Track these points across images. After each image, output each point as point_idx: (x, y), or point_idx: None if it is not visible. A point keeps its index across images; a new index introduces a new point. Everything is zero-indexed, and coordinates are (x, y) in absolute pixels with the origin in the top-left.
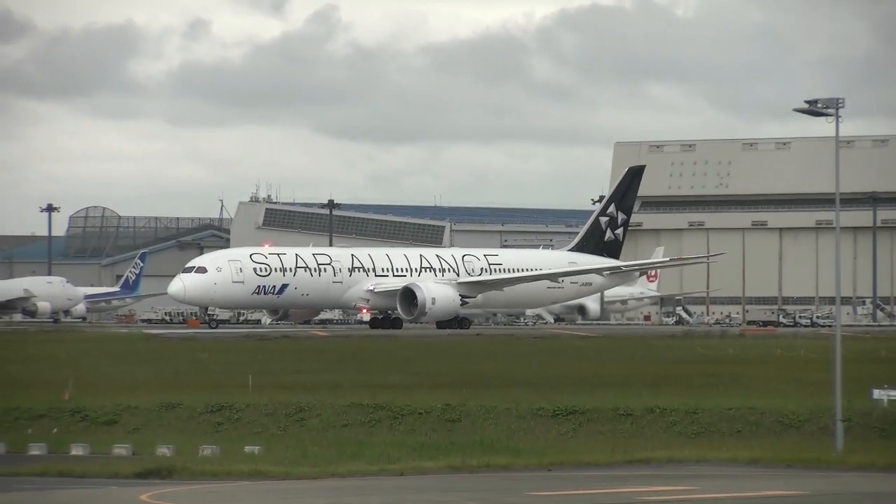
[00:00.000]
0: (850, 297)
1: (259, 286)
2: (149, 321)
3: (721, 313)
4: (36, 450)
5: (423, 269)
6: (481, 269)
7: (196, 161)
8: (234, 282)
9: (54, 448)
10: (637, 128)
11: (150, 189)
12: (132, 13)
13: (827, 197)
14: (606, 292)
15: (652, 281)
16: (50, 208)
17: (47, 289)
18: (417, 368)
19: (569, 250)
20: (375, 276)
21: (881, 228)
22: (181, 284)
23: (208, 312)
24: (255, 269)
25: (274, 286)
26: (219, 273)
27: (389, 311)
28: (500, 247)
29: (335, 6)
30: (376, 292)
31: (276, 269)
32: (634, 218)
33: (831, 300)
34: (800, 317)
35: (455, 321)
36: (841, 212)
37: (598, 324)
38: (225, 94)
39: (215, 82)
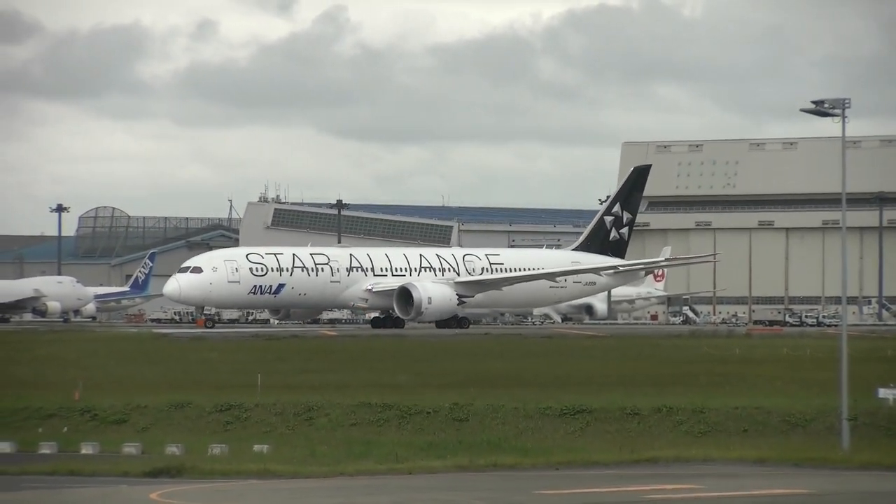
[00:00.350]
0: (856, 297)
1: (255, 286)
2: (158, 321)
3: (727, 313)
4: (46, 449)
5: (422, 269)
6: (482, 268)
7: (204, 161)
8: (229, 281)
9: (64, 447)
10: (644, 128)
11: (159, 189)
12: (139, 14)
13: (833, 197)
14: (614, 292)
15: (659, 281)
16: (60, 208)
17: (57, 289)
18: (425, 368)
19: (573, 250)
20: (374, 275)
21: (888, 228)
22: (177, 284)
23: (205, 312)
24: (251, 269)
25: (270, 286)
26: (214, 273)
27: (390, 311)
28: (508, 246)
29: (343, 7)
30: (375, 292)
31: (272, 269)
32: (642, 218)
33: (837, 300)
34: (806, 316)
35: (454, 321)
36: (847, 212)
37: (606, 323)
38: (232, 94)
39: (222, 83)
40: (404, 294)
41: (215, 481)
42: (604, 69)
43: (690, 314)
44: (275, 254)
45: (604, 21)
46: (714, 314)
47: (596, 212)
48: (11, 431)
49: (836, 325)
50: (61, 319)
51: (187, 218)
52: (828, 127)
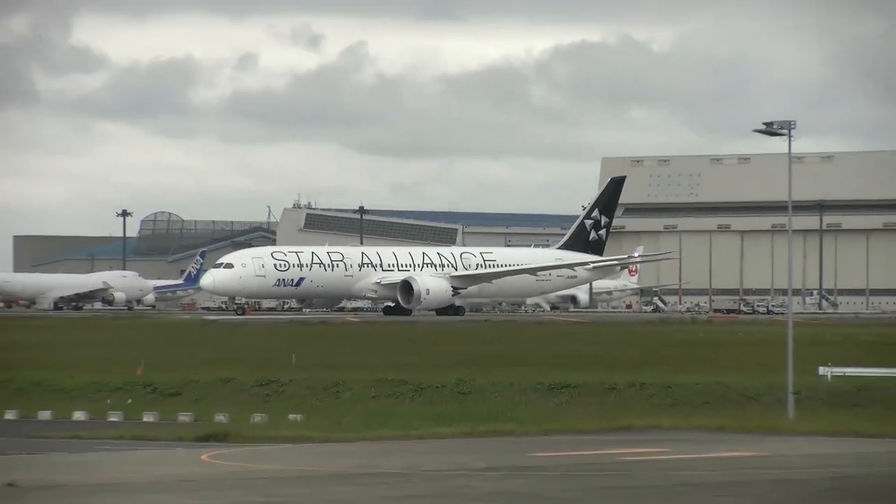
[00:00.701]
0: (801, 290)
1: (279, 279)
2: (208, 309)
3: (691, 303)
4: (114, 417)
5: (424, 265)
6: (477, 264)
7: (245, 173)
8: (256, 275)
9: (129, 416)
10: (620, 145)
11: (208, 196)
12: (191, 48)
13: (781, 204)
14: (594, 284)
15: (633, 275)
16: (124, 213)
17: (122, 281)
18: (433, 350)
19: (557, 248)
20: (382, 270)
21: (826, 231)
22: (211, 278)
23: (235, 302)
24: (275, 265)
25: (292, 279)
26: (244, 268)
27: (395, 301)
28: (504, 246)
29: (364, 42)
30: (383, 284)
31: (293, 265)
32: (618, 222)
33: (784, 292)
34: (758, 306)
35: (451, 309)
36: (793, 217)
37: (588, 311)
38: (269, 116)
39: (261, 106)
40: (406, 286)
41: (257, 445)
42: (586, 95)
43: (660, 304)
44: (296, 252)
45: (586, 54)
46: (680, 304)
47: (578, 216)
48: (84, 402)
49: (783, 314)
50: (126, 308)
51: (232, 221)
52: (777, 144)
